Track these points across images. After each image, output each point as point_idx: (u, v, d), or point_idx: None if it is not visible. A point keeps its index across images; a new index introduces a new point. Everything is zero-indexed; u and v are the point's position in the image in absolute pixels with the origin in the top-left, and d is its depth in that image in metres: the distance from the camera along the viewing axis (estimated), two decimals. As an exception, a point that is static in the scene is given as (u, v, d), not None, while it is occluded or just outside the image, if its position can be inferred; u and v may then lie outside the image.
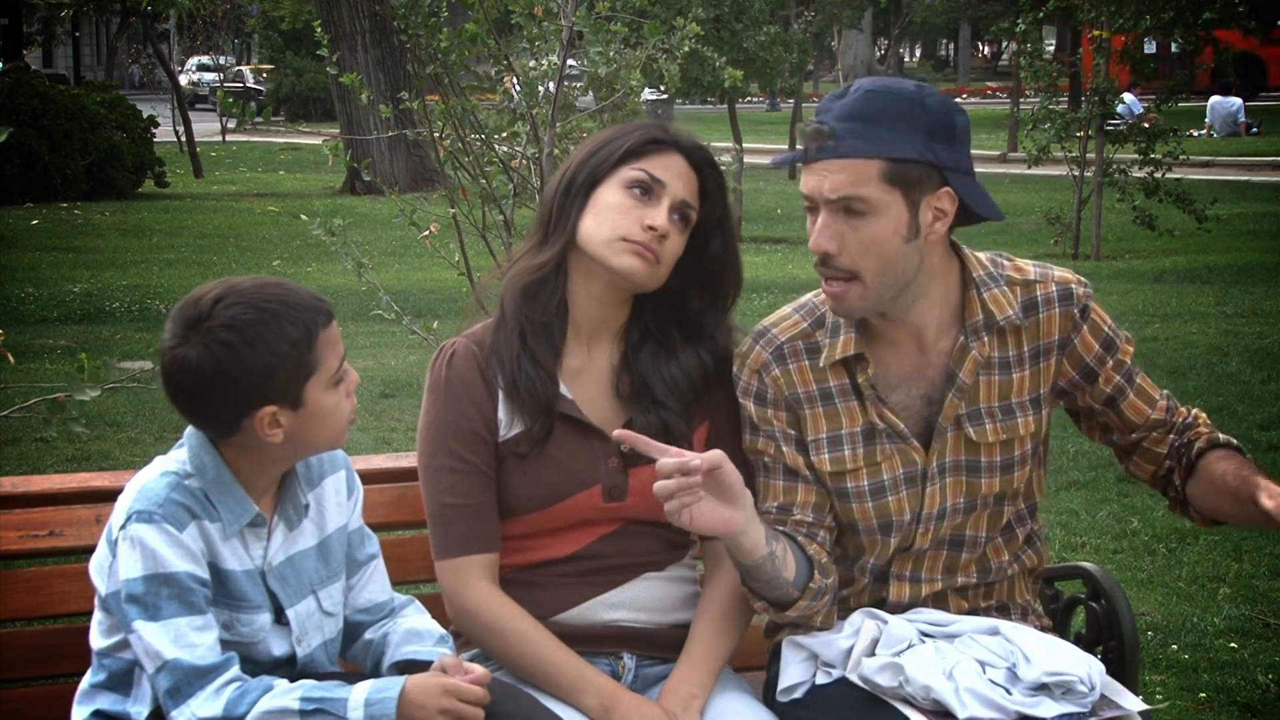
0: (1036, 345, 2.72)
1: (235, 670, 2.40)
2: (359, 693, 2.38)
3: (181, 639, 2.37)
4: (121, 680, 2.49)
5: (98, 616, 2.50)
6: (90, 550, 2.86)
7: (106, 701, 2.50)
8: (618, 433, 2.55)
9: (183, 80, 34.08)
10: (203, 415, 2.45)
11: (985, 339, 2.68)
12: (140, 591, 2.38)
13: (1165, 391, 2.83)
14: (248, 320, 2.38)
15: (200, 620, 2.40)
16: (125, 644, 2.45)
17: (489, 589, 2.72)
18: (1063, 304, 2.72)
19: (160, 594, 2.38)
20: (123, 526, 2.41)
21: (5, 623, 2.84)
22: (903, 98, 2.57)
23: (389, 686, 2.39)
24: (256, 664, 2.49)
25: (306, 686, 2.39)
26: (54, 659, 2.82)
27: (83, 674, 2.81)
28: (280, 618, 2.53)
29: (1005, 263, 2.75)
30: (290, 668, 2.54)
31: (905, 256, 2.59)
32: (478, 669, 2.46)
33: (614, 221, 2.70)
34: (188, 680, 2.37)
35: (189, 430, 2.50)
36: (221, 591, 2.46)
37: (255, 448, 2.46)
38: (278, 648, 2.53)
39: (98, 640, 2.50)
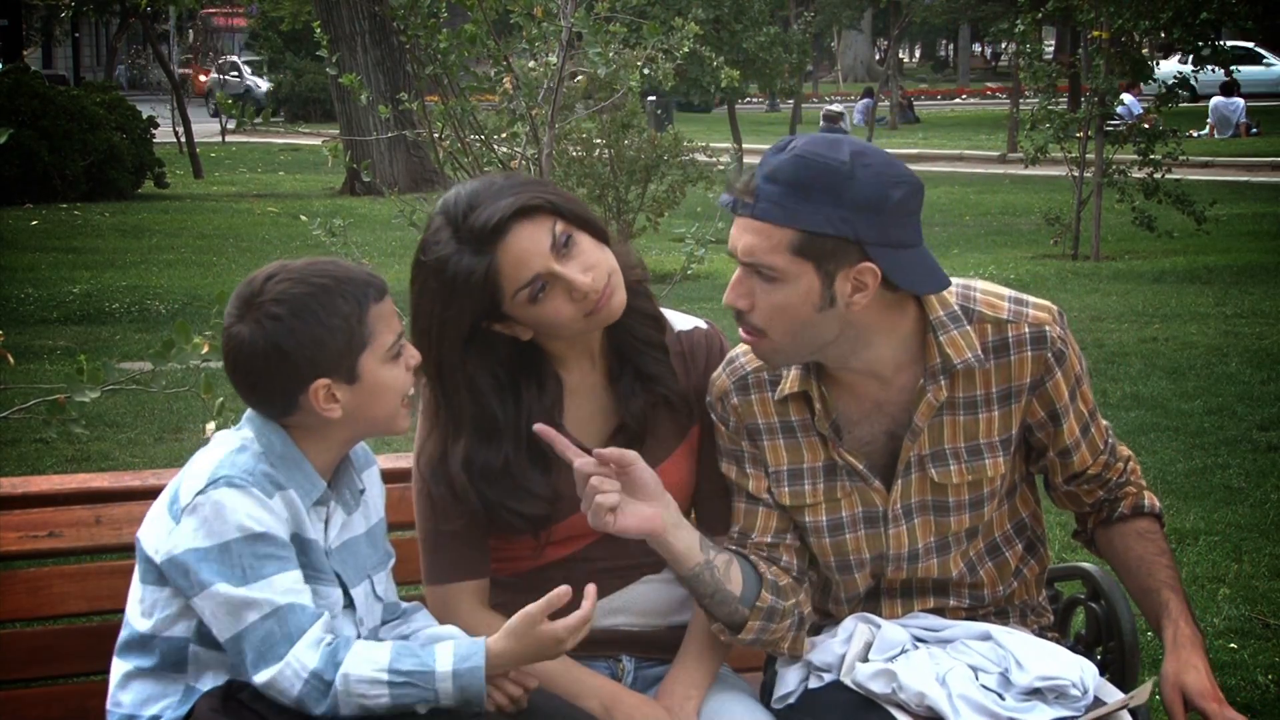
0: (1007, 387, 2.66)
1: (328, 619, 2.41)
2: (444, 660, 2.38)
3: (283, 592, 2.37)
4: (174, 660, 2.46)
5: (142, 594, 2.46)
6: (90, 551, 2.87)
7: (153, 687, 2.47)
8: (537, 427, 2.54)
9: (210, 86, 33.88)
10: (260, 393, 2.47)
11: (943, 382, 2.62)
12: (233, 553, 2.36)
13: (1109, 437, 2.80)
14: (297, 294, 2.42)
15: (295, 574, 2.40)
16: (179, 619, 2.43)
17: (477, 612, 2.72)
18: (1035, 347, 2.64)
19: (256, 552, 2.37)
20: (201, 492, 2.38)
21: (5, 623, 2.84)
22: (829, 169, 2.45)
23: (472, 651, 2.39)
24: None
25: (393, 654, 2.38)
26: (54, 659, 2.82)
27: (82, 674, 2.81)
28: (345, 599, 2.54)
29: (977, 295, 2.66)
30: None
31: (818, 323, 2.53)
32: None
33: (558, 319, 2.60)
34: (285, 630, 2.35)
35: (248, 414, 2.51)
36: (305, 561, 2.46)
37: (315, 427, 2.48)
38: (347, 629, 2.52)
39: (142, 622, 2.46)
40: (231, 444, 2.47)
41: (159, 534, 2.44)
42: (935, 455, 2.66)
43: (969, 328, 2.62)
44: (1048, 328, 2.65)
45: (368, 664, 2.37)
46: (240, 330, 2.43)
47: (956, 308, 2.63)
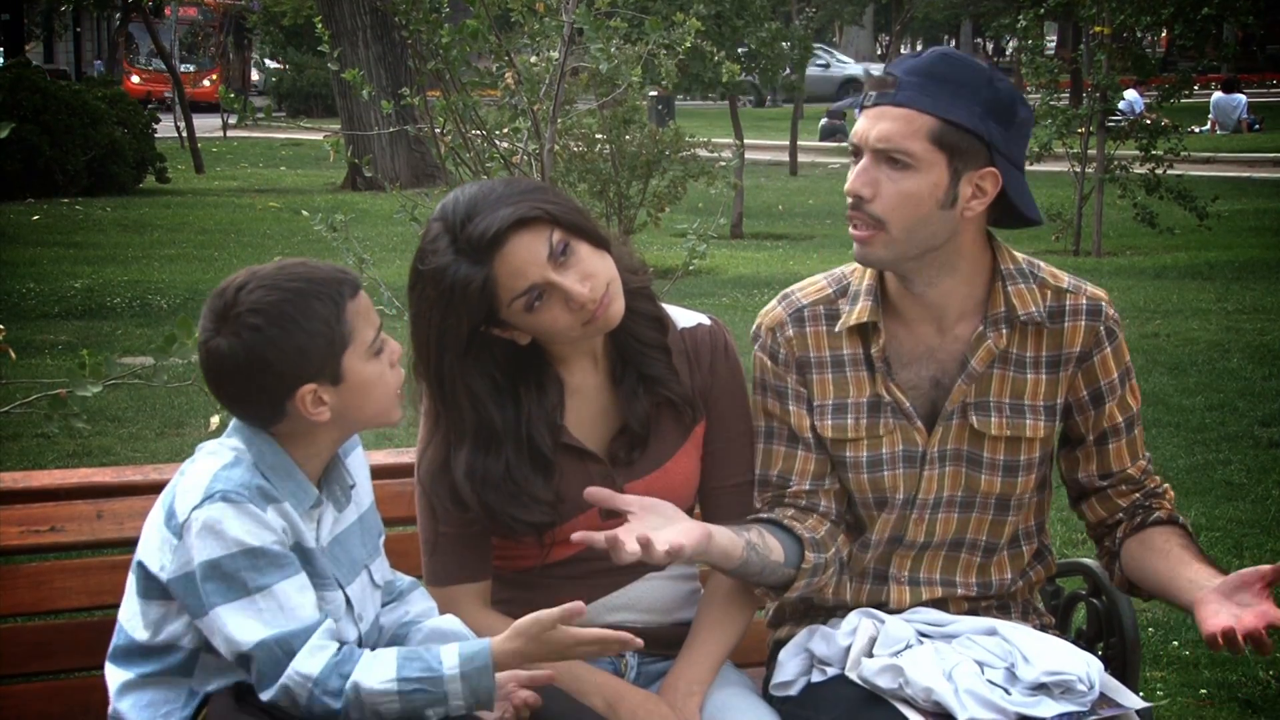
0: (1058, 353, 2.71)
1: (331, 625, 2.39)
2: (450, 662, 2.37)
3: (284, 603, 2.35)
4: (182, 666, 2.45)
5: (144, 609, 2.44)
6: (91, 545, 2.87)
7: (155, 693, 2.45)
8: (588, 492, 2.56)
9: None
10: (246, 404, 2.45)
11: (1004, 331, 2.69)
12: (230, 568, 2.34)
13: (1148, 455, 2.83)
14: (272, 301, 2.38)
15: (298, 580, 2.39)
16: (187, 631, 2.42)
17: (479, 613, 2.71)
18: (1090, 318, 2.72)
19: (255, 565, 2.34)
20: (198, 507, 2.36)
21: (7, 618, 2.84)
22: (974, 69, 2.59)
23: (478, 651, 2.38)
24: None
25: (399, 661, 2.37)
26: (56, 654, 2.82)
27: (84, 669, 2.80)
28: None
29: (1041, 265, 2.75)
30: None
31: (936, 220, 2.59)
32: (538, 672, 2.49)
33: (555, 327, 2.61)
34: (286, 646, 2.34)
35: (235, 423, 2.48)
36: (309, 570, 2.44)
37: (304, 430, 2.46)
38: (349, 632, 2.51)
39: (145, 634, 2.45)
40: (224, 457, 2.44)
41: (161, 552, 2.41)
42: (979, 405, 2.71)
43: (1034, 285, 2.69)
44: (1104, 304, 2.75)
45: (376, 675, 2.35)
46: (219, 344, 2.39)
47: (1025, 265, 2.71)
